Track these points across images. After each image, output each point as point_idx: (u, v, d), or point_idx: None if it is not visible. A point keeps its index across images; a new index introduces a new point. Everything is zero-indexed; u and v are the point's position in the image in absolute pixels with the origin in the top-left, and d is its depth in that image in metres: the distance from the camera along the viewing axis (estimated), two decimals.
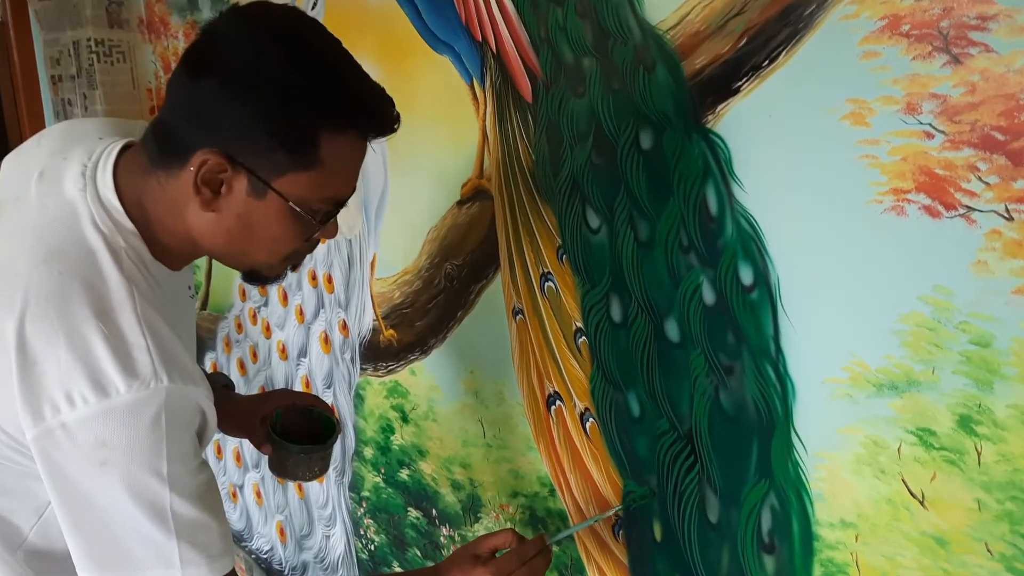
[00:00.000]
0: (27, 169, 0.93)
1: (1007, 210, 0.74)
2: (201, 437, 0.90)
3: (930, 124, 0.78)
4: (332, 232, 0.94)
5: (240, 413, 1.25)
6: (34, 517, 0.96)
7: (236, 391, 1.38)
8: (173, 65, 2.14)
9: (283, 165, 0.84)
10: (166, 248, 0.91)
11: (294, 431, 1.23)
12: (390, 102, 0.88)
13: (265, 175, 0.84)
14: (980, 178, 0.75)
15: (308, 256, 1.02)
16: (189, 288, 1.07)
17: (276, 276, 0.99)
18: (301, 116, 0.82)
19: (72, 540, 0.86)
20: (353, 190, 0.92)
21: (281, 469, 1.23)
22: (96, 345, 0.81)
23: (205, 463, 0.90)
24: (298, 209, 0.86)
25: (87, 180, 0.89)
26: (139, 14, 2.26)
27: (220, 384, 1.33)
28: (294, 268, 1.00)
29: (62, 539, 0.88)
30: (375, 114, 0.87)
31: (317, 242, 0.97)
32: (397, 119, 0.88)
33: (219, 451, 2.25)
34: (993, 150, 0.74)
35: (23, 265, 0.84)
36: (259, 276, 0.98)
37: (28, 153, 0.98)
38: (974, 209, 0.76)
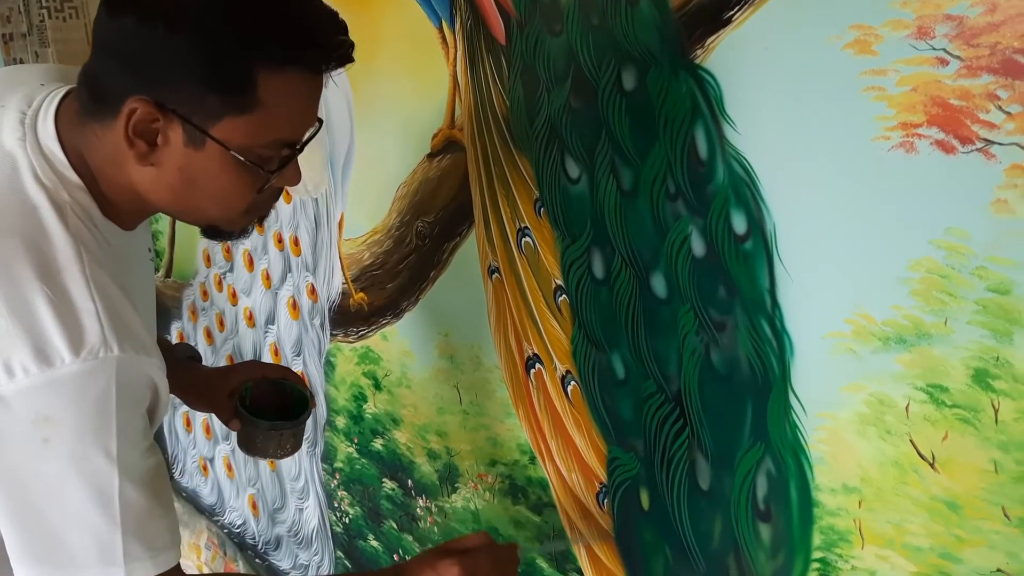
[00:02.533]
0: None
1: None
2: (152, 415, 0.82)
3: (944, 49, 0.70)
4: (293, 179, 0.85)
5: (208, 387, 1.17)
6: None
7: (203, 362, 1.30)
8: None
9: (217, 109, 0.75)
10: (114, 204, 0.82)
11: (264, 406, 1.15)
12: (338, 28, 0.79)
13: (200, 122, 0.76)
14: (1000, 107, 0.68)
15: (273, 209, 0.94)
16: (149, 251, 0.98)
17: (242, 231, 0.91)
18: (229, 53, 0.73)
19: (7, 530, 0.78)
20: (308, 130, 0.83)
21: (250, 446, 1.16)
22: (39, 310, 0.73)
23: (155, 446, 0.82)
24: (241, 158, 0.78)
25: (27, 129, 0.80)
26: None
27: (186, 356, 1.25)
28: (260, 220, 0.91)
29: None
30: (319, 45, 0.77)
31: (279, 191, 0.89)
32: (349, 47, 0.79)
33: (188, 423, 2.17)
34: (1016, 76, 0.66)
35: None
36: (220, 232, 0.90)
37: None
38: (993, 142, 0.68)
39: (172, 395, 0.99)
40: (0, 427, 0.73)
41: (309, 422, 1.67)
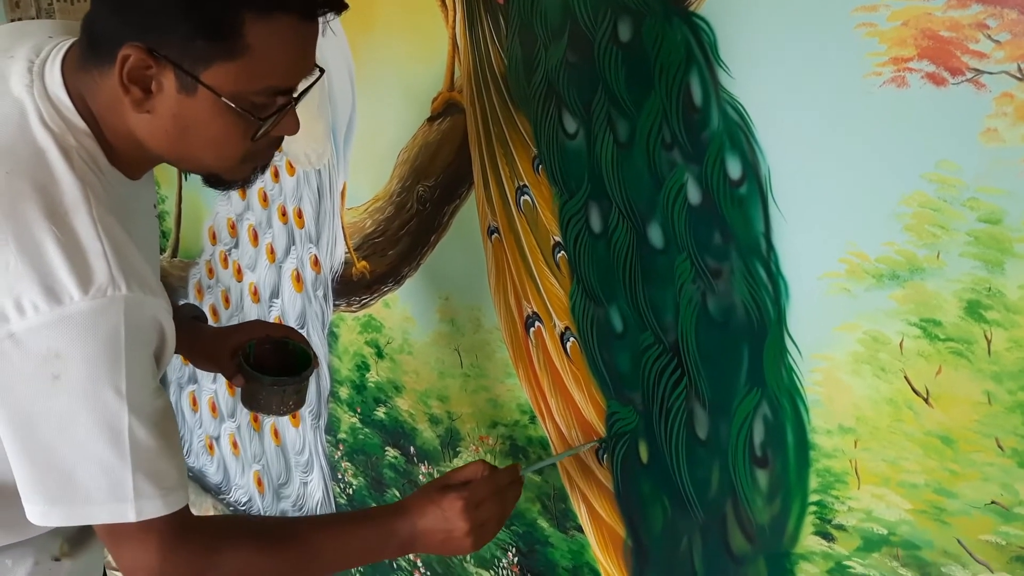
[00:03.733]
0: None
1: (1020, 69, 0.67)
2: (159, 359, 0.83)
3: None
4: (291, 127, 0.86)
5: (212, 345, 1.18)
6: None
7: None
8: None
9: (206, 55, 0.76)
10: (117, 151, 0.83)
11: (268, 364, 1.16)
12: None
13: (190, 67, 0.76)
14: (989, 36, 0.68)
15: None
16: (154, 208, 0.99)
17: (243, 179, 0.90)
18: None
19: (18, 468, 0.79)
20: (304, 78, 0.83)
21: (253, 402, 1.16)
22: (48, 249, 0.74)
23: (162, 389, 0.83)
24: (232, 105, 0.78)
25: (34, 76, 0.81)
26: None
27: (191, 315, 1.26)
28: (262, 170, 0.91)
29: (8, 475, 0.81)
30: None
31: (278, 140, 0.89)
32: None
33: (195, 402, 2.19)
34: (1004, 3, 0.67)
35: None
36: (221, 180, 0.90)
37: None
38: (983, 72, 0.69)
39: (177, 354, 1.00)
40: (12, 364, 0.74)
41: (313, 393, 1.68)
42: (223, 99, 0.78)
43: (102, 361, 0.75)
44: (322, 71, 0.86)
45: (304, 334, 1.64)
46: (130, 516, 0.79)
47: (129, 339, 0.76)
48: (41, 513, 0.80)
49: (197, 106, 0.78)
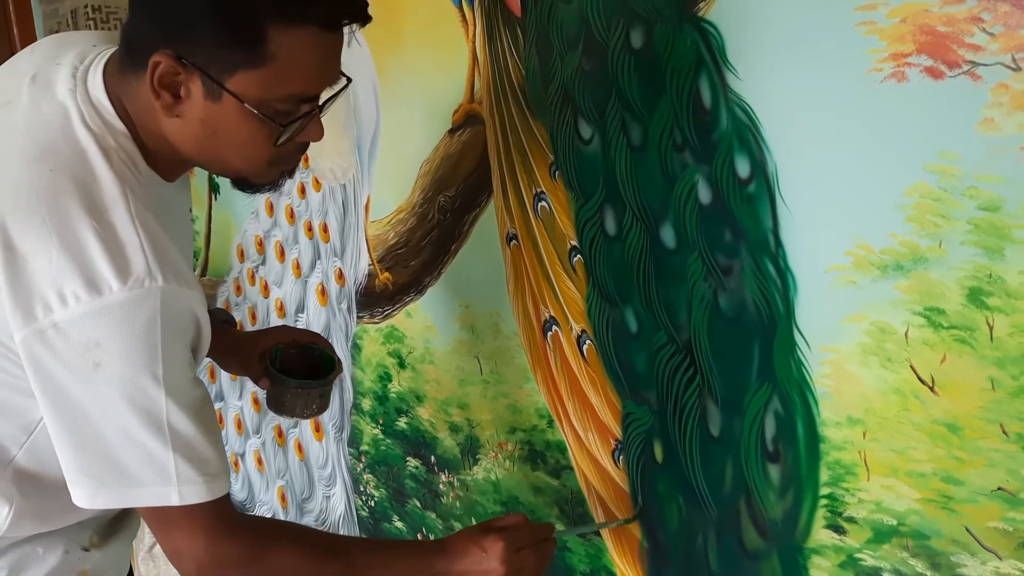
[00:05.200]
0: (20, 74, 0.90)
1: (1014, 60, 0.69)
2: (196, 351, 0.87)
3: None
4: (315, 134, 0.89)
5: (240, 348, 1.22)
6: (23, 435, 0.92)
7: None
8: None
9: (231, 63, 0.79)
10: (153, 153, 0.88)
11: (294, 368, 1.19)
12: None
13: (216, 75, 0.80)
14: (984, 29, 0.71)
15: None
16: (189, 211, 1.04)
17: (271, 183, 0.94)
18: (241, 7, 0.78)
19: (64, 453, 0.82)
20: (329, 86, 0.87)
21: (279, 405, 1.19)
22: (89, 242, 0.78)
23: (200, 381, 0.87)
24: (256, 111, 0.82)
25: (78, 81, 0.86)
26: None
27: (221, 320, 1.29)
28: (290, 175, 0.94)
29: (52, 462, 0.84)
30: (330, 1, 0.81)
31: (303, 146, 0.92)
32: (361, 2, 0.82)
33: (221, 420, 2.22)
34: None
35: (13, 165, 0.81)
36: (248, 183, 0.93)
37: (21, 60, 0.95)
38: (979, 64, 0.71)
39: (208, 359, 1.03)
40: (56, 352, 0.78)
41: (336, 406, 1.71)
42: (247, 105, 0.81)
43: (139, 349, 0.79)
44: (349, 80, 0.90)
45: None
46: (173, 499, 0.82)
47: (166, 328, 0.79)
48: (88, 496, 0.83)
49: (223, 111, 0.82)
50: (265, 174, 0.92)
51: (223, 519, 0.86)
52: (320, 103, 0.87)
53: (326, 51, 0.84)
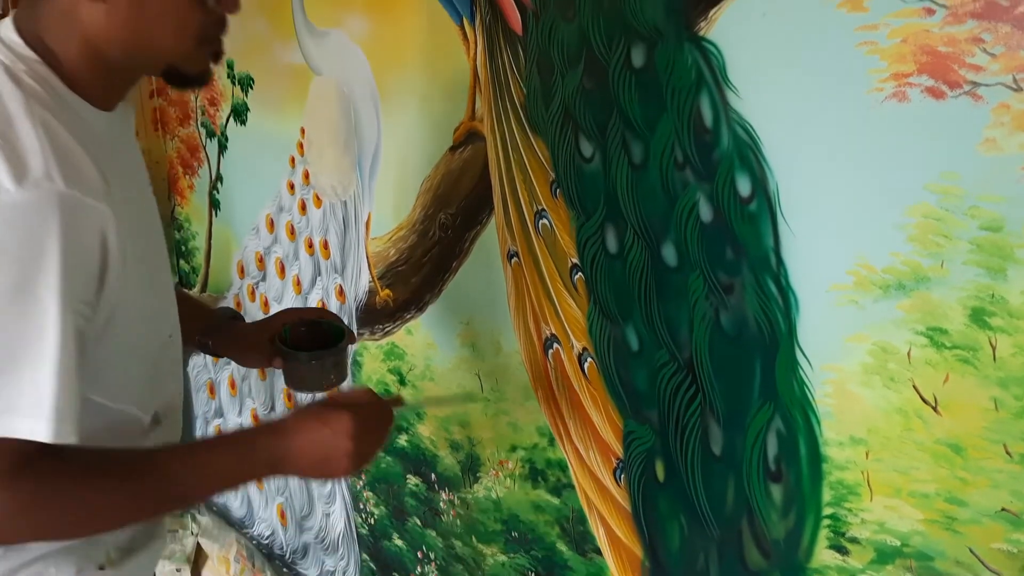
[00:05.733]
0: None
1: (1015, 80, 0.70)
2: (103, 278, 0.82)
3: (930, 0, 0.74)
4: (232, 5, 0.88)
5: (251, 339, 1.19)
6: None
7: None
8: None
9: None
10: (78, 78, 0.86)
11: (304, 346, 1.17)
12: None
13: None
14: (985, 50, 0.71)
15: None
16: (136, 145, 1.01)
17: (200, 72, 0.92)
18: None
19: None
20: None
21: (297, 382, 1.18)
22: None
23: (91, 314, 0.81)
24: None
25: None
26: None
27: (228, 316, 1.29)
28: (215, 59, 0.93)
29: None
30: None
31: (224, 22, 0.91)
32: None
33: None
34: (998, 18, 0.70)
35: None
36: (181, 75, 0.92)
37: None
38: (980, 84, 0.72)
39: (224, 359, 0.98)
40: None
41: None
42: None
43: (34, 255, 0.75)
44: None
45: None
46: None
47: (64, 237, 0.76)
48: None
49: None
50: (194, 56, 0.90)
51: (18, 464, 0.77)
52: None
53: None
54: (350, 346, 1.18)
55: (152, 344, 0.96)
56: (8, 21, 0.87)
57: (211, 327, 1.17)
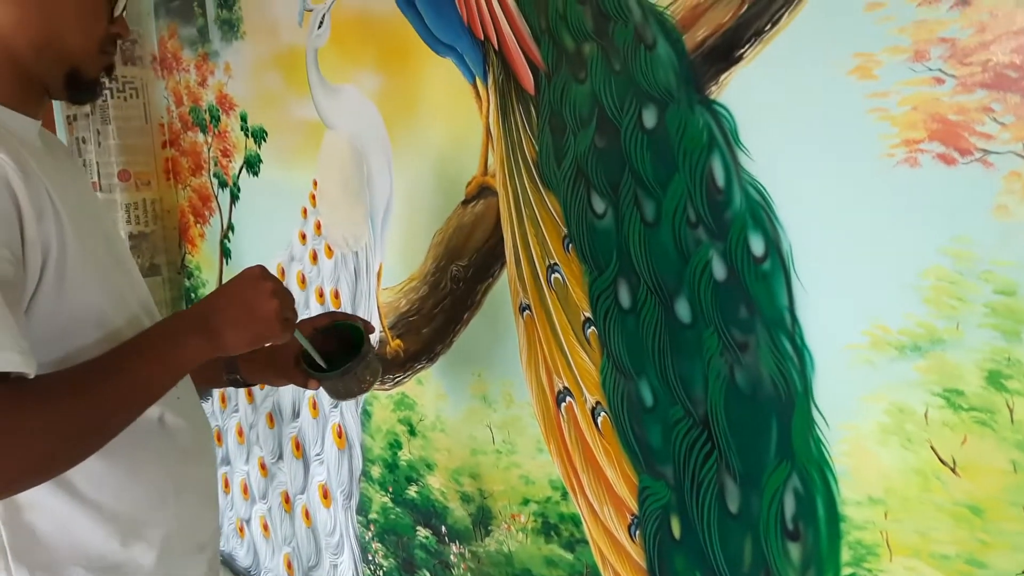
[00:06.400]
0: None
1: None
2: (23, 231, 0.82)
3: (940, 69, 0.75)
4: (124, 29, 0.97)
5: (275, 362, 1.18)
6: None
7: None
8: (185, 99, 2.16)
9: None
10: None
11: (329, 350, 1.17)
12: None
13: None
14: (995, 119, 0.72)
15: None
16: (78, 167, 1.07)
17: (97, 78, 0.97)
18: None
19: None
20: None
21: (337, 394, 1.18)
22: None
23: (17, 272, 0.81)
24: None
25: None
26: (152, 51, 2.29)
27: None
28: (108, 73, 0.98)
29: None
30: None
31: (117, 38, 0.97)
32: None
33: (227, 484, 2.21)
34: (1007, 88, 0.71)
35: None
36: (81, 80, 0.95)
37: None
38: (991, 152, 0.73)
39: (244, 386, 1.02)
40: None
41: (344, 474, 1.70)
42: None
43: None
44: None
45: (338, 413, 1.69)
46: None
47: None
48: None
49: None
50: (96, 60, 0.96)
51: None
52: None
53: None
54: (370, 337, 1.17)
55: (118, 322, 0.96)
56: None
57: (232, 361, 1.18)
